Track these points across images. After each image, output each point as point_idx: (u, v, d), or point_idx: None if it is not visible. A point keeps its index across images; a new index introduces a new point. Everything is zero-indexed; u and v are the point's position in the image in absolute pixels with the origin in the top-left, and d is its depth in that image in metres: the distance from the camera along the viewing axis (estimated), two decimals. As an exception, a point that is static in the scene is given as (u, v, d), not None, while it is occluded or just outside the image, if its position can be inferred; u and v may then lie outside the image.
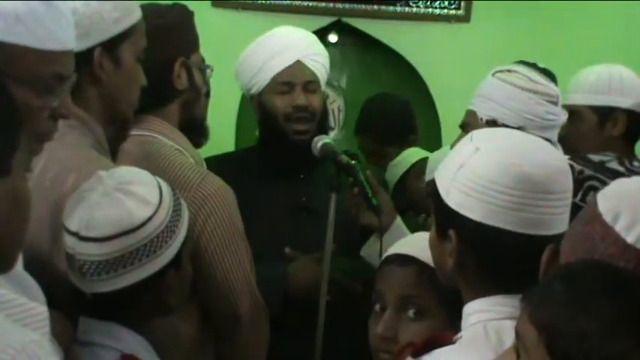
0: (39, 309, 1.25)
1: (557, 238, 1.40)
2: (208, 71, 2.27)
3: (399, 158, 3.17)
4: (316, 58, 2.53)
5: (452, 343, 1.44)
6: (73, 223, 1.56)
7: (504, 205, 1.40)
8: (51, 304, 1.52)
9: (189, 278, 1.70)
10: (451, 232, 1.45)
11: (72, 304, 1.61)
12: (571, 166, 1.67)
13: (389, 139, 3.23)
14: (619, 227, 1.20)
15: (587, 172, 1.63)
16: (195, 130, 2.20)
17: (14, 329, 1.14)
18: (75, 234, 1.55)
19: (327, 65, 2.58)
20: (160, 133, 2.04)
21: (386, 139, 3.23)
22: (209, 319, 1.99)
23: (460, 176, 1.44)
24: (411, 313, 1.67)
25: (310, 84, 2.50)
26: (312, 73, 2.51)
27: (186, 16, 2.11)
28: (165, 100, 2.05)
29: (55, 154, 1.69)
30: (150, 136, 2.01)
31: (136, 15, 1.83)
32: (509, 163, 1.41)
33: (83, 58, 1.73)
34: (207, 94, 2.66)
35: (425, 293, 1.65)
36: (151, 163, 1.93)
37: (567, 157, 1.75)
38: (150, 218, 1.56)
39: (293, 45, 2.51)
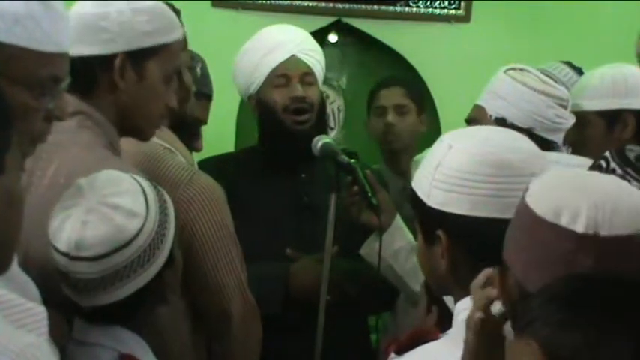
0: (37, 309, 1.24)
1: None
2: (198, 69, 2.26)
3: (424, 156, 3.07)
4: (311, 53, 2.55)
5: (437, 339, 1.44)
6: (62, 243, 1.53)
7: (487, 194, 1.41)
8: (49, 302, 1.53)
9: (180, 265, 1.71)
10: (440, 233, 1.45)
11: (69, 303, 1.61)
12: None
13: (415, 96, 3.17)
14: (565, 222, 1.19)
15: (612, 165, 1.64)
16: (186, 130, 2.20)
17: (13, 331, 1.13)
18: (65, 254, 1.53)
19: (323, 62, 2.59)
20: None
21: (413, 95, 3.16)
22: (200, 319, 1.99)
23: (439, 175, 1.46)
24: None
25: (307, 75, 2.52)
26: (308, 66, 2.53)
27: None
28: None
29: (69, 155, 1.70)
30: None
31: (173, 35, 1.83)
32: (485, 152, 1.43)
33: (105, 62, 1.76)
34: (210, 97, 2.65)
35: None
36: (141, 162, 1.93)
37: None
38: (140, 230, 1.54)
39: (286, 41, 2.53)
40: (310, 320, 2.28)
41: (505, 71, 2.36)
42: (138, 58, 1.78)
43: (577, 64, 2.98)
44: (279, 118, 2.49)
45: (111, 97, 1.79)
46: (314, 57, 2.55)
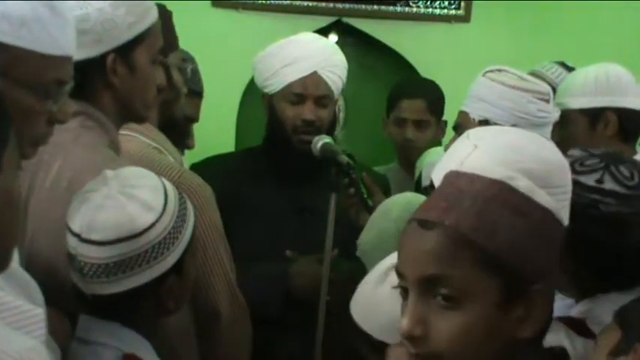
0: (35, 311, 1.24)
1: None
2: (189, 69, 2.26)
3: (433, 156, 2.94)
4: (334, 69, 2.50)
5: None
6: (76, 223, 1.54)
7: None
8: (58, 304, 1.53)
9: (191, 282, 1.68)
10: None
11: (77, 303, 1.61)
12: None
13: (436, 108, 3.15)
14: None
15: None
16: (175, 130, 2.20)
17: (10, 335, 1.13)
18: (77, 235, 1.54)
19: (345, 75, 2.55)
20: (138, 132, 2.04)
21: (434, 107, 3.14)
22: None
23: None
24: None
25: (323, 99, 2.49)
26: (327, 87, 2.49)
27: (164, 15, 2.10)
28: None
29: (72, 155, 1.70)
30: (127, 135, 2.01)
31: (151, 17, 1.82)
32: (509, 160, 1.41)
33: (96, 64, 1.75)
34: (200, 95, 2.66)
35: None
36: (130, 161, 1.93)
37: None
38: (152, 225, 1.54)
39: (312, 55, 2.48)
40: (310, 320, 2.28)
41: (483, 74, 2.37)
42: (126, 51, 1.78)
43: (577, 64, 2.98)
44: (287, 134, 2.48)
45: (108, 95, 1.79)
46: (336, 73, 2.50)
